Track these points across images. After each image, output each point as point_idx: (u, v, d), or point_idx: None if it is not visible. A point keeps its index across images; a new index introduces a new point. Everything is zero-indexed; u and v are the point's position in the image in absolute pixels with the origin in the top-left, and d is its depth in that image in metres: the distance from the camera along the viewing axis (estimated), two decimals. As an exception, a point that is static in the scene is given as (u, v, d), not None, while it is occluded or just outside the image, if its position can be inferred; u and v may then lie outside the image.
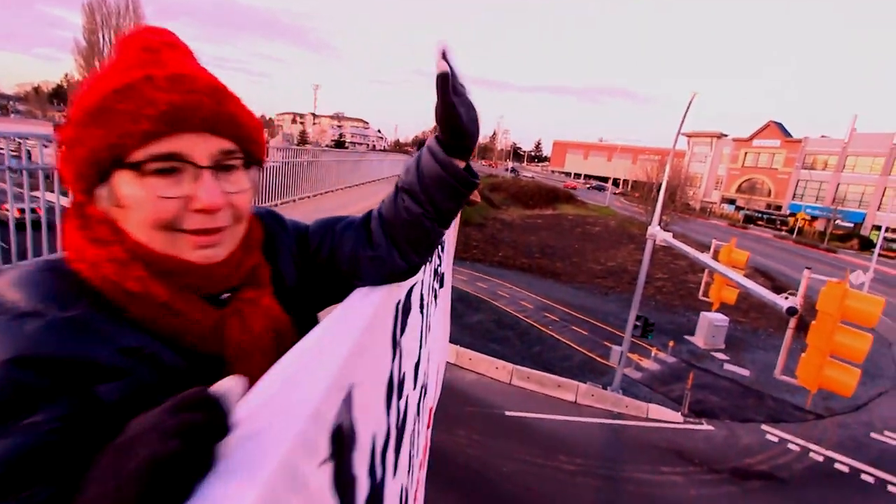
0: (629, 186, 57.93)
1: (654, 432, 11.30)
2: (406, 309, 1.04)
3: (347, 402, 0.53)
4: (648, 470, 9.71)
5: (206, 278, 0.60)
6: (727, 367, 15.10)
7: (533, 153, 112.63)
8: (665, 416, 11.91)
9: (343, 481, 0.53)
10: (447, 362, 12.92)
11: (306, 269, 0.80)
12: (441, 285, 2.68)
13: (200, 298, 0.60)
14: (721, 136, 54.25)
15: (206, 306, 0.60)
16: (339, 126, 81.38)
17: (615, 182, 64.40)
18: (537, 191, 45.06)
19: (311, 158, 9.58)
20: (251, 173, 0.65)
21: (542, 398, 12.07)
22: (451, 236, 2.85)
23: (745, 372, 14.78)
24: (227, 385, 0.35)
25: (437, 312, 2.50)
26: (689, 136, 56.38)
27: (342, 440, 0.51)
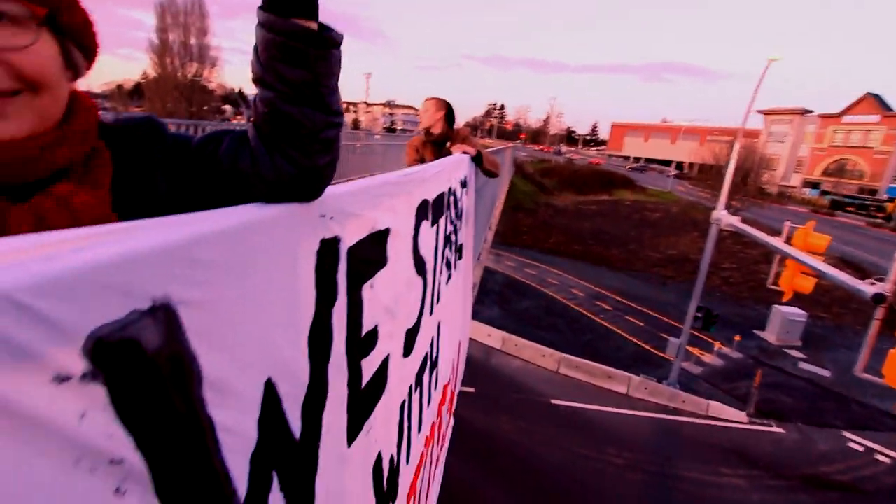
0: (695, 170, 53.98)
1: (714, 431, 10.52)
2: (365, 255, 0.90)
3: (156, 317, 0.40)
4: (706, 470, 9.06)
5: None
6: (803, 365, 13.72)
7: (588, 136, 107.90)
8: (727, 414, 11.05)
9: (153, 417, 0.40)
10: (493, 348, 12.85)
11: (185, 184, 0.69)
12: (460, 256, 2.52)
13: None
14: (804, 112, 48.80)
15: None
16: (391, 114, 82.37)
17: (679, 166, 60.19)
18: (592, 175, 43.20)
19: (362, 142, 9.83)
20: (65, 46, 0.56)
21: (590, 388, 11.61)
22: (470, 205, 2.67)
23: (824, 372, 13.36)
24: None
25: (453, 285, 2.36)
26: (766, 113, 51.31)
27: (132, 360, 0.38)
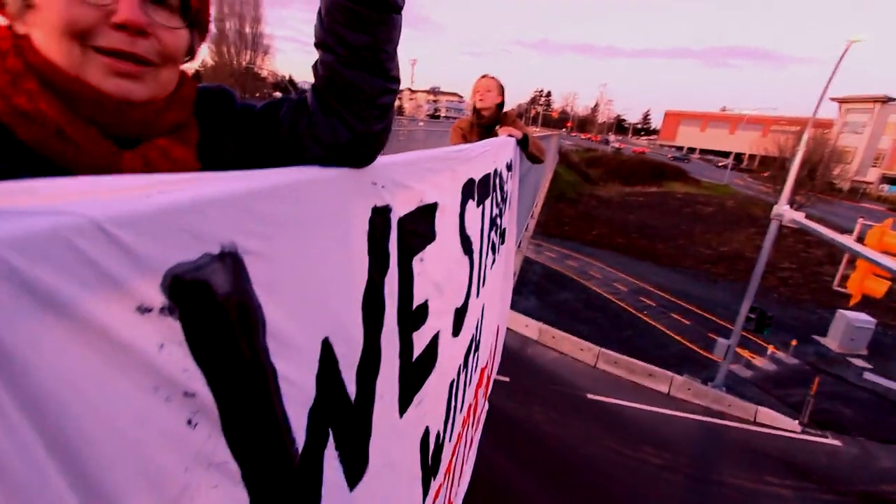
0: (755, 162, 50.52)
1: (762, 438, 9.98)
2: (414, 227, 0.90)
3: (227, 263, 0.42)
4: (750, 477, 8.64)
5: (117, 116, 0.54)
6: (868, 376, 12.70)
7: (640, 125, 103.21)
8: (778, 421, 10.43)
9: (222, 358, 0.42)
10: (530, 339, 12.74)
11: (250, 149, 0.72)
12: (502, 240, 2.50)
13: (102, 134, 0.53)
14: (887, 100, 44.25)
15: (105, 142, 0.53)
16: (435, 100, 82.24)
17: (737, 157, 56.49)
18: (640, 166, 41.40)
19: (406, 129, 9.93)
20: (191, 34, 0.63)
21: (629, 385, 11.30)
22: (513, 189, 2.63)
23: (892, 385, 12.31)
24: None
25: (496, 269, 2.34)
26: (841, 101, 46.98)
27: (204, 302, 0.40)
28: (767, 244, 10.73)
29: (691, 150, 69.72)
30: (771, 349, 13.61)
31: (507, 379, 9.72)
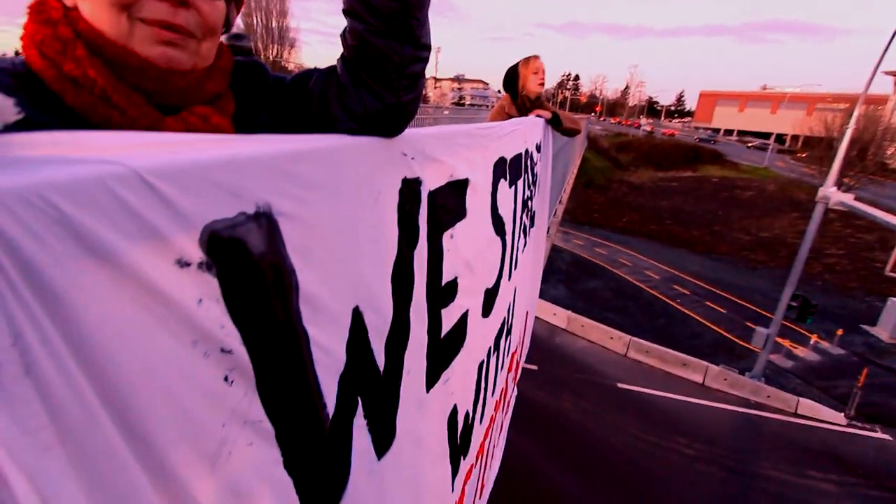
0: (799, 143, 47.81)
1: (804, 430, 9.59)
2: (445, 202, 0.90)
3: (262, 224, 0.42)
4: (791, 471, 8.33)
5: (160, 83, 0.56)
6: (922, 367, 11.96)
7: (673, 107, 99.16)
8: (821, 414, 9.99)
9: (257, 318, 0.43)
10: (558, 327, 12.61)
11: (282, 120, 0.73)
12: (532, 224, 2.46)
13: (145, 100, 0.55)
14: (950, 72, 40.78)
15: (149, 108, 0.55)
16: (460, 88, 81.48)
17: (779, 138, 53.56)
18: (674, 150, 39.86)
19: (430, 117, 9.90)
20: (227, 6, 0.63)
21: (661, 375, 11.04)
22: (543, 172, 2.58)
23: (950, 376, 11.56)
24: None
25: (527, 253, 2.31)
26: (896, 74, 43.63)
27: (240, 260, 0.40)
28: (812, 228, 10.17)
29: (728, 131, 66.54)
30: (814, 339, 13.00)
31: (534, 367, 9.67)
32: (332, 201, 0.54)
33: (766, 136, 55.29)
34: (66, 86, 0.51)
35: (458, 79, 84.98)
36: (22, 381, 0.26)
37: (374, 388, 0.71)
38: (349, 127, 0.67)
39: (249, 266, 0.42)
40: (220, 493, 0.42)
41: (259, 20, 25.29)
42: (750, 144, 50.22)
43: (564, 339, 12.11)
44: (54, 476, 0.28)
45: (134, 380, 0.32)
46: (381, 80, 0.66)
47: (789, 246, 19.27)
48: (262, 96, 0.73)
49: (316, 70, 0.74)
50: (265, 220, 0.43)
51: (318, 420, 0.58)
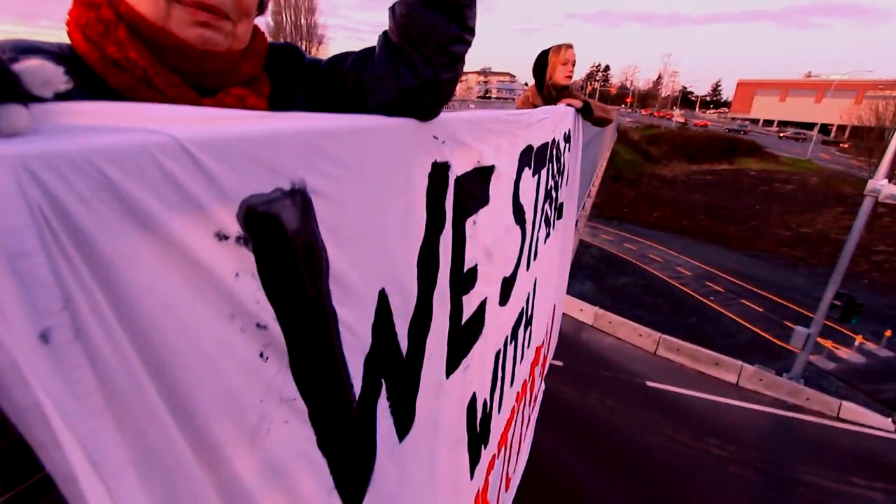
0: (845, 133, 45.17)
1: (846, 436, 9.13)
2: (470, 188, 0.89)
3: (296, 201, 0.42)
4: (831, 477, 7.95)
5: (198, 65, 0.57)
6: (981, 372, 11.17)
7: (708, 97, 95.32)
8: (865, 418, 9.48)
9: (290, 294, 0.43)
10: (585, 324, 12.41)
11: (318, 102, 0.74)
12: (559, 216, 2.41)
13: (184, 81, 0.57)
14: None
15: (187, 89, 0.57)
16: (486, 81, 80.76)
17: (824, 129, 50.74)
18: (709, 142, 38.34)
19: (456, 111, 9.86)
20: None
21: (693, 374, 10.72)
22: (572, 163, 2.52)
23: None
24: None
25: (552, 245, 2.28)
26: (958, 58, 40.39)
27: (275, 236, 0.41)
28: (859, 224, 9.61)
29: (768, 122, 63.49)
30: (859, 340, 12.32)
31: (560, 363, 9.56)
32: (363, 182, 0.54)
33: (810, 126, 52.46)
34: (109, 68, 0.52)
35: (485, 72, 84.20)
36: (72, 345, 0.26)
37: (397, 371, 0.72)
38: (383, 108, 0.67)
39: (283, 242, 0.42)
40: (260, 469, 0.43)
41: (288, 18, 25.73)
42: (782, 134, 47.77)
43: (591, 336, 11.90)
44: (103, 441, 0.29)
45: (177, 350, 0.33)
46: (422, 52, 0.66)
47: (833, 242, 18.32)
48: (297, 79, 0.74)
49: (351, 53, 0.74)
50: (300, 198, 0.43)
51: (346, 401, 0.58)
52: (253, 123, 0.39)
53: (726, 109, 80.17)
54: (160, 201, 0.30)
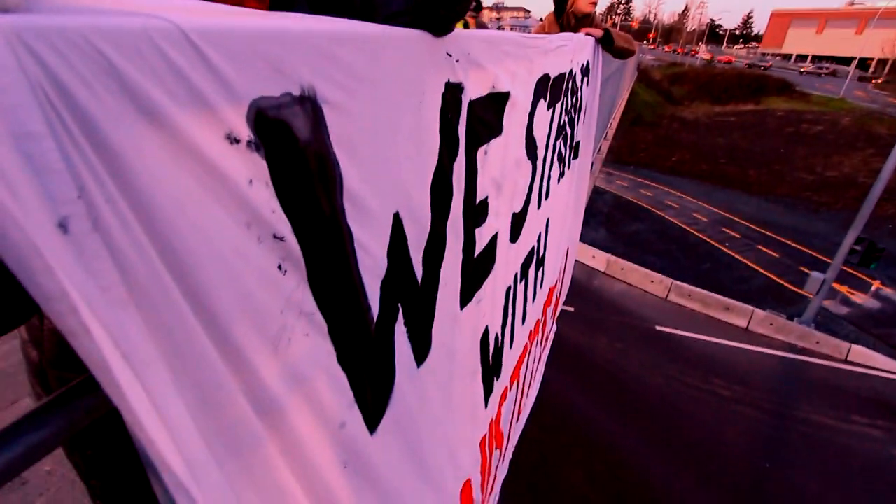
0: (885, 69, 42.09)
1: (853, 378, 9.29)
2: (483, 115, 0.85)
3: (307, 108, 0.41)
4: (834, 415, 8.19)
5: None
6: None
7: (738, 31, 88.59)
8: (873, 361, 9.59)
9: (305, 207, 0.43)
10: (597, 270, 12.45)
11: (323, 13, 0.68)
12: (575, 155, 2.34)
13: None
14: None
15: None
16: (499, 18, 75.95)
17: (863, 64, 47.23)
18: (735, 80, 36.13)
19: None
20: None
21: (703, 319, 10.83)
22: (590, 98, 2.41)
23: None
24: None
25: (565, 184, 2.22)
26: None
27: (287, 144, 0.39)
28: (889, 165, 9.19)
29: (802, 57, 59.22)
30: (876, 285, 12.20)
31: (571, 309, 9.70)
32: (374, 95, 0.52)
33: (847, 61, 48.78)
34: None
35: (497, 7, 78.97)
36: (91, 235, 0.26)
37: (413, 298, 0.72)
38: (395, 19, 0.63)
39: (295, 152, 0.41)
40: (283, 375, 0.45)
41: None
42: (803, 69, 44.74)
43: (603, 283, 11.97)
44: (131, 333, 0.30)
45: (195, 251, 0.33)
46: None
47: (860, 186, 17.64)
48: None
49: None
50: (310, 105, 0.42)
51: (364, 321, 0.59)
52: (258, 20, 0.37)
53: (756, 45, 74.67)
54: (165, 93, 0.29)
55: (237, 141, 0.35)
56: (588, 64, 2.19)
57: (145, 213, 0.29)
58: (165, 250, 0.31)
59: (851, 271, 11.70)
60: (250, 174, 0.37)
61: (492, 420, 1.51)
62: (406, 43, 0.59)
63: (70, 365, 0.60)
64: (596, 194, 16.41)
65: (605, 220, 15.59)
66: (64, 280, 0.25)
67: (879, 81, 28.20)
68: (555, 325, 2.99)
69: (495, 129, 0.97)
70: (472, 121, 0.81)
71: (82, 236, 0.26)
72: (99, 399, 0.37)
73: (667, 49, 69.78)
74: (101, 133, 0.26)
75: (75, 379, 0.39)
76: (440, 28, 0.65)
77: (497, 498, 1.90)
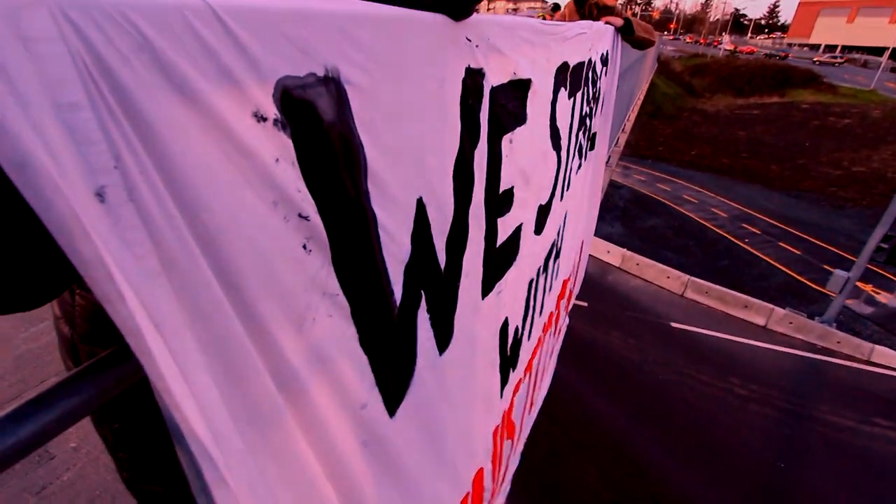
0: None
1: (876, 379, 9.06)
2: (506, 102, 0.84)
3: (331, 90, 0.41)
4: (855, 417, 8.01)
5: None
6: None
7: (763, 21, 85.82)
8: (898, 363, 9.33)
9: (330, 188, 0.43)
10: (612, 265, 12.33)
11: None
12: (591, 146, 2.31)
13: None
14: None
15: None
16: (515, 9, 74.94)
17: (895, 55, 45.37)
18: (759, 72, 35.07)
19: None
20: None
21: (720, 316, 10.64)
22: (608, 89, 2.36)
23: None
24: None
25: (583, 176, 2.20)
26: None
27: (312, 125, 0.40)
28: (922, 160, 8.83)
29: (831, 47, 57.15)
30: (903, 285, 11.82)
31: (584, 304, 9.62)
32: (397, 78, 0.52)
33: (880, 52, 46.94)
34: None
35: (514, -3, 77.84)
36: (127, 205, 0.27)
37: (436, 284, 0.72)
38: (412, 2, 0.62)
39: (320, 133, 0.41)
40: (306, 353, 0.45)
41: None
42: (817, 59, 43.43)
43: (618, 278, 11.83)
44: (163, 302, 0.31)
45: (223, 226, 0.34)
46: None
47: (889, 182, 17.07)
48: None
49: None
50: (334, 86, 0.42)
51: (387, 305, 0.60)
52: (284, 1, 0.37)
53: (783, 35, 72.26)
54: (196, 69, 0.30)
55: (264, 119, 0.35)
56: (607, 53, 2.15)
57: (177, 185, 0.30)
58: (195, 223, 0.32)
59: (877, 269, 11.35)
60: (277, 153, 0.37)
61: (505, 411, 1.51)
62: (426, 26, 0.58)
63: (101, 340, 0.61)
64: (612, 188, 16.18)
65: (621, 215, 15.38)
66: (101, 247, 0.26)
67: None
68: (567, 318, 2.98)
69: (520, 118, 0.96)
70: (494, 108, 0.80)
71: (118, 206, 0.27)
72: (129, 368, 0.38)
73: (688, 40, 67.98)
74: (136, 106, 0.26)
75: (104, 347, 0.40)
76: (460, 12, 0.65)
77: (508, 488, 1.91)
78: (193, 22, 0.29)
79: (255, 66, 0.34)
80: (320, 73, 0.40)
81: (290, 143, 0.38)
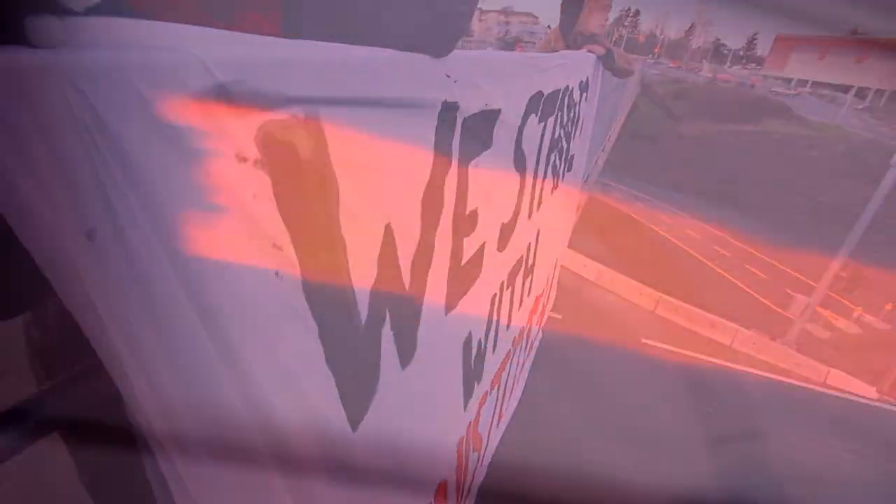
0: (882, 98, 42.79)
1: (828, 400, 9.47)
2: (476, 131, 0.89)
3: (308, 127, 0.44)
4: (804, 436, 8.33)
5: None
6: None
7: (742, 52, 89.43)
8: (851, 385, 9.78)
9: (303, 219, 0.47)
10: (586, 280, 12.46)
11: None
12: (569, 168, 2.39)
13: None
14: None
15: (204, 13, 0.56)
16: (507, 23, 76.05)
17: (861, 94, 47.94)
18: (736, 100, 36.55)
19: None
20: None
21: (687, 335, 10.96)
22: (587, 113, 2.46)
23: None
24: None
25: (559, 196, 2.27)
26: None
27: (290, 163, 0.44)
28: (881, 193, 9.38)
29: (802, 82, 59.97)
30: (858, 311, 12.41)
31: (559, 316, 9.74)
32: (374, 115, 0.55)
33: (846, 89, 49.52)
34: None
35: (507, 12, 79.01)
36: (113, 243, 0.30)
37: (400, 303, 0.76)
38: (395, 42, 0.66)
39: (298, 169, 0.45)
40: (275, 373, 0.48)
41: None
42: (774, 90, 46.91)
43: (591, 292, 12.06)
44: (135, 320, 0.33)
45: (200, 256, 0.36)
46: None
47: (850, 213, 17.93)
48: None
49: None
50: (313, 126, 0.45)
51: (353, 325, 0.63)
52: (270, 50, 0.41)
53: (757, 66, 75.45)
54: (186, 119, 0.33)
55: (245, 160, 0.39)
56: (587, 80, 2.24)
57: (161, 223, 0.33)
58: (175, 256, 0.35)
59: (836, 297, 11.90)
60: (254, 189, 0.40)
61: (470, 423, 1.55)
62: (406, 65, 0.62)
63: (72, 348, 0.62)
64: (592, 205, 16.53)
65: (599, 231, 15.72)
66: (87, 281, 0.29)
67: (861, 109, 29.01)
68: (541, 333, 3.04)
69: (486, 143, 1.01)
70: (465, 136, 0.85)
71: (105, 243, 0.30)
72: (99, 382, 0.41)
73: (672, 65, 70.21)
74: (128, 156, 0.29)
75: (76, 362, 0.42)
76: (440, 52, 0.69)
77: (473, 501, 1.94)
78: (187, 78, 0.32)
79: (241, 114, 0.37)
80: (301, 115, 0.44)
81: (268, 179, 0.41)
